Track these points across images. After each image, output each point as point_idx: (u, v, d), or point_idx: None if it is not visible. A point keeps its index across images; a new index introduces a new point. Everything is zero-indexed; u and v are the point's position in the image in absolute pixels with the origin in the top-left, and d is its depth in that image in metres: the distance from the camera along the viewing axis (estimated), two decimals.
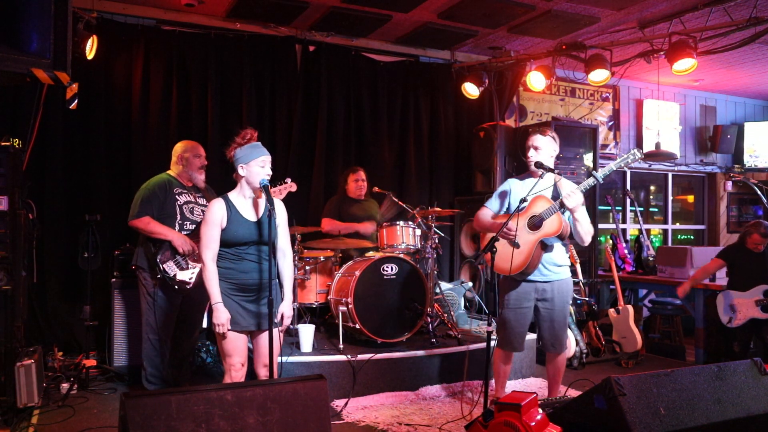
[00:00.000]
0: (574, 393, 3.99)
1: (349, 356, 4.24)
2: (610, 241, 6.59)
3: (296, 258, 4.70)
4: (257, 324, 3.08)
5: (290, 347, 4.35)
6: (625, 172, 7.92)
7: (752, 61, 6.74)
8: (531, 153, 3.63)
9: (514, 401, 2.67)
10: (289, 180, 3.72)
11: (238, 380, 3.07)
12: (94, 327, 4.72)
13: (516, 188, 3.70)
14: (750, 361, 3.00)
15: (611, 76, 5.66)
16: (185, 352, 4.33)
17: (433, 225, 5.02)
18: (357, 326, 4.40)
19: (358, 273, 4.43)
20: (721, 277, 5.29)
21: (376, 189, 5.42)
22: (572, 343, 5.12)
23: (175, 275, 3.96)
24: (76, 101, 4.10)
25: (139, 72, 5.28)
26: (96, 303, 4.76)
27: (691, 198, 8.85)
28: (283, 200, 3.41)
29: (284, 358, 3.99)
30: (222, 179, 4.90)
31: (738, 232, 7.76)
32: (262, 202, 3.11)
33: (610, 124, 7.67)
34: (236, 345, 3.05)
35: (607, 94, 7.64)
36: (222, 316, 2.97)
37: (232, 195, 3.13)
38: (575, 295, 5.21)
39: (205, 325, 4.49)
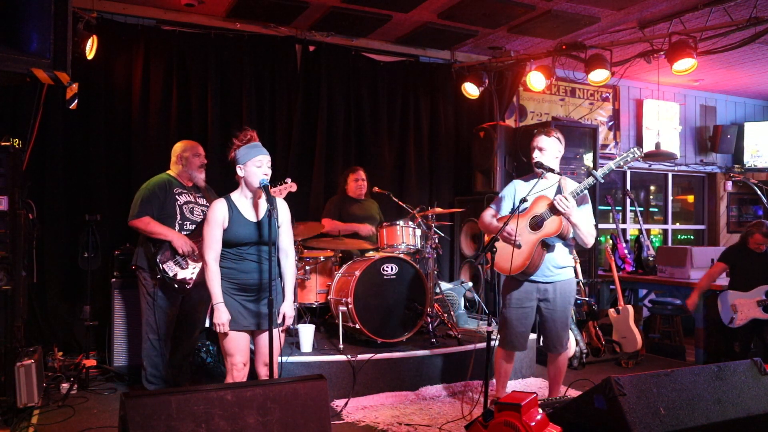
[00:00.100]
0: (574, 393, 3.98)
1: (349, 356, 4.24)
2: (610, 241, 6.59)
3: (296, 258, 4.70)
4: (257, 324, 3.09)
5: (290, 347, 4.35)
6: (625, 172, 7.92)
7: (752, 61, 6.74)
8: (536, 154, 3.61)
9: (514, 401, 2.66)
10: (289, 180, 3.71)
11: (240, 380, 3.08)
12: (94, 327, 4.73)
13: (520, 190, 3.69)
14: (750, 361, 2.99)
15: (611, 76, 5.66)
16: (185, 352, 4.33)
17: (433, 225, 5.02)
18: (357, 326, 4.40)
19: (358, 273, 4.43)
20: (722, 277, 5.28)
21: (376, 189, 5.42)
22: (572, 343, 5.11)
23: (175, 275, 3.96)
24: (76, 101, 4.09)
25: (139, 72, 5.28)
26: (96, 303, 4.76)
27: (691, 198, 8.85)
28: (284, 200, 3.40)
29: (284, 358, 3.99)
30: (222, 179, 4.92)
31: (738, 232, 7.78)
32: (263, 202, 3.11)
33: (610, 124, 7.67)
34: (238, 344, 3.06)
35: (607, 94, 7.64)
36: (222, 316, 2.98)
37: (234, 195, 3.14)
38: (576, 296, 5.20)
39: (207, 324, 4.49)
